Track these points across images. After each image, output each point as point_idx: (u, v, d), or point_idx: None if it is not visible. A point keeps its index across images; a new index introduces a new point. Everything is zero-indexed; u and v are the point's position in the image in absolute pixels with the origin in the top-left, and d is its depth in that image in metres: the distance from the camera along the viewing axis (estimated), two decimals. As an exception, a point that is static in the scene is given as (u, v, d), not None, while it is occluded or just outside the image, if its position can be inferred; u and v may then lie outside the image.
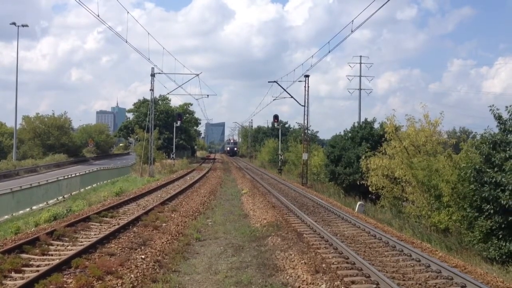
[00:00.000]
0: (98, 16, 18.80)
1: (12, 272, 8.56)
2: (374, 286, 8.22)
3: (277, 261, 10.30)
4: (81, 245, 10.70)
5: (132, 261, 9.61)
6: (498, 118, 15.41)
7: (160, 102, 64.26)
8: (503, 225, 13.87)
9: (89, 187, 30.23)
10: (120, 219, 14.97)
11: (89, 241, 11.08)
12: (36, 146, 60.96)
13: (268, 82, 39.92)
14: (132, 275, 8.63)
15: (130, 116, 71.10)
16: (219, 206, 20.45)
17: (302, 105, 36.33)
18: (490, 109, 15.53)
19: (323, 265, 9.24)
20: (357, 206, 20.67)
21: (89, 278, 8.06)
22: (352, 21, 17.65)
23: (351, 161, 29.45)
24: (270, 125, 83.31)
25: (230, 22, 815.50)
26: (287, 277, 9.05)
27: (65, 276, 8.34)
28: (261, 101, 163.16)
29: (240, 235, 13.65)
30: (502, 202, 13.71)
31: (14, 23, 46.95)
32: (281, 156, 49.62)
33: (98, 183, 33.01)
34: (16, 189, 21.38)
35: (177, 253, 11.01)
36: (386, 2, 14.13)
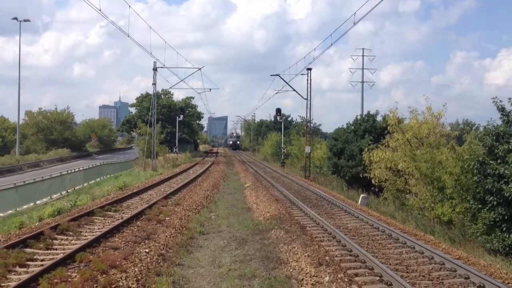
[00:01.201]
0: (100, 10, 18.73)
1: (17, 267, 8.61)
2: (378, 278, 8.23)
3: (280, 254, 10.32)
4: (85, 239, 10.74)
5: (136, 254, 9.65)
6: (501, 109, 15.34)
7: (162, 96, 64.26)
8: (506, 217, 13.85)
9: (93, 181, 30.34)
10: (123, 213, 15.02)
11: (93, 235, 11.12)
12: (39, 141, 61.23)
13: (271, 75, 39.74)
14: (136, 269, 8.68)
15: (133, 110, 71.28)
16: (222, 199, 20.49)
17: (305, 98, 36.30)
18: (493, 101, 15.44)
19: (327, 257, 9.25)
20: (360, 198, 20.68)
21: (93, 272, 8.09)
22: (355, 13, 17.37)
23: (354, 154, 29.41)
24: (272, 119, 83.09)
25: (232, 15, 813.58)
26: (291, 270, 9.07)
27: (69, 270, 8.37)
28: (264, 95, 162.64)
29: (243, 228, 13.67)
30: (506, 194, 13.67)
31: (16, 18, 46.91)
32: (283, 149, 49.59)
33: (102, 177, 33.13)
34: (20, 184, 21.45)
35: (180, 246, 11.06)
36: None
